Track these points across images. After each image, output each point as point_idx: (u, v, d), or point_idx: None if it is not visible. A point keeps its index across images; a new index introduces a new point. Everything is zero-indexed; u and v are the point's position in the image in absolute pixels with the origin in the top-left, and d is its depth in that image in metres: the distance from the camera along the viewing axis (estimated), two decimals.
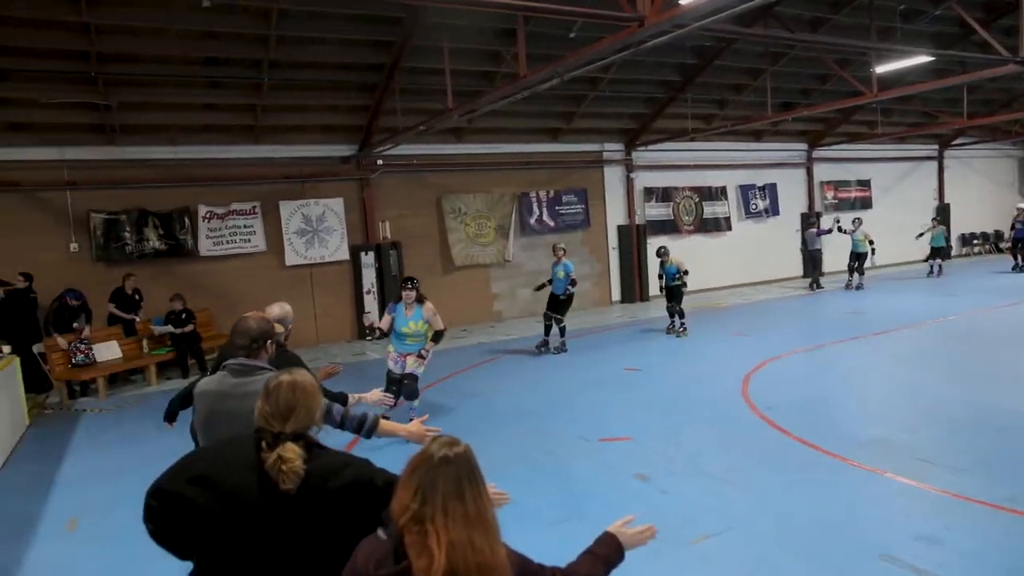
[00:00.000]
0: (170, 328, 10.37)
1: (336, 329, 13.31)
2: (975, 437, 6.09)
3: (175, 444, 2.94)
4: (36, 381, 9.71)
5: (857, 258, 16.17)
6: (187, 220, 11.80)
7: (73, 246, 11.12)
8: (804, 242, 17.50)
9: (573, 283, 10.68)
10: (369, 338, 13.19)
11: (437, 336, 7.22)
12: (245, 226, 12.36)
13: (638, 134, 15.99)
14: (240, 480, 2.10)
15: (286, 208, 12.72)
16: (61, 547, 4.91)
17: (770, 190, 18.38)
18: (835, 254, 17.49)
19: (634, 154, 16.33)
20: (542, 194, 15.26)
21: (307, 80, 11.40)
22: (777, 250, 18.54)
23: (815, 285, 16.59)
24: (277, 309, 4.25)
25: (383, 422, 3.33)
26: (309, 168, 12.92)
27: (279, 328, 4.11)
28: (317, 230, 13.02)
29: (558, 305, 10.85)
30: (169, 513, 2.12)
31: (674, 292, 11.75)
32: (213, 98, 11.36)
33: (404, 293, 7.17)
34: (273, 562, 2.07)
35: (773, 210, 18.41)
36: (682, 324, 11.75)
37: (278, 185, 12.67)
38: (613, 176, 16.27)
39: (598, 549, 2.11)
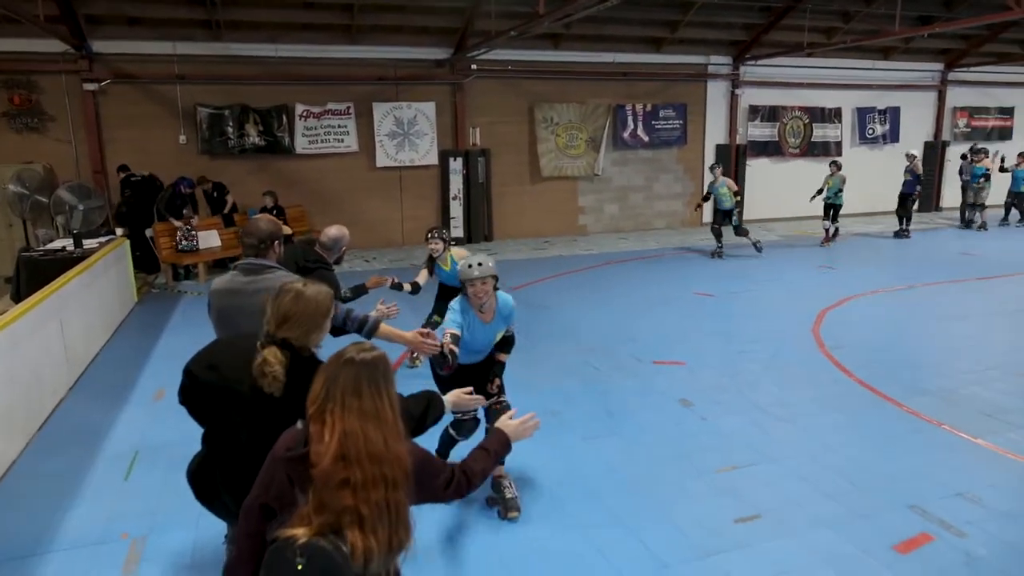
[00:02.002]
0: None
1: (421, 232, 13.39)
2: None
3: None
4: (147, 262, 10.64)
5: (1017, 197, 15.09)
6: (285, 118, 12.26)
7: (182, 138, 11.83)
8: (961, 171, 16.02)
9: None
10: (452, 243, 13.50)
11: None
12: (339, 126, 12.70)
13: (748, 47, 14.96)
14: (237, 373, 2.36)
15: (379, 110, 12.93)
16: (147, 413, 5.55)
17: (892, 114, 16.93)
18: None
19: (742, 69, 15.37)
20: (639, 107, 14.72)
21: None
22: (892, 180, 17.18)
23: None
24: (334, 230, 4.47)
25: (383, 325, 3.46)
26: (403, 70, 12.98)
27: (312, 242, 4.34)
28: (408, 133, 13.20)
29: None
30: (190, 389, 2.52)
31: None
32: None
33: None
34: (253, 447, 2.30)
35: (892, 136, 17.00)
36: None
37: (372, 86, 12.84)
38: (716, 91, 15.43)
39: (489, 445, 2.33)
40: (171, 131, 11.79)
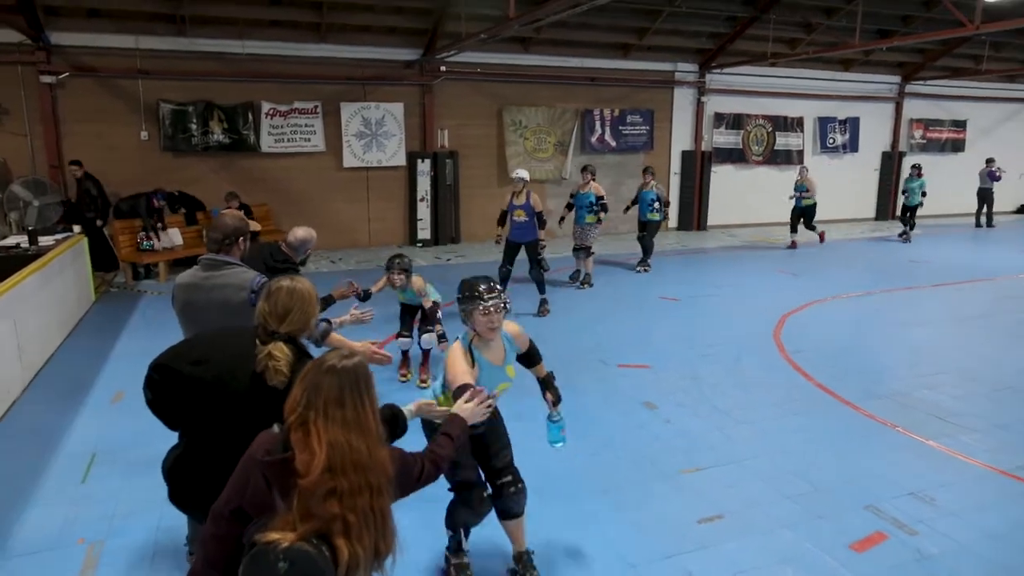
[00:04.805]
0: None
1: (388, 234, 13.62)
2: (1004, 402, 5.88)
3: None
4: (106, 260, 10.39)
5: (647, 226, 12.12)
6: (250, 115, 12.07)
7: (143, 134, 11.58)
8: (980, 178, 17.03)
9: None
10: (419, 245, 13.48)
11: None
12: (306, 125, 12.57)
13: (715, 55, 15.20)
14: (233, 367, 2.37)
15: (347, 110, 12.83)
16: (105, 415, 5.43)
17: (851, 124, 17.35)
18: None
19: (708, 76, 15.60)
20: (607, 112, 14.86)
21: None
22: (851, 189, 17.66)
23: (985, 223, 17.00)
24: (302, 232, 4.47)
25: (334, 334, 3.50)
26: (372, 71, 12.90)
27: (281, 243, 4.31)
28: (376, 134, 13.12)
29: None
30: (167, 387, 2.43)
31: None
32: None
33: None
34: (248, 442, 2.30)
35: (851, 146, 17.43)
36: None
37: (340, 86, 12.74)
38: (683, 98, 15.65)
39: (451, 430, 2.41)
40: (133, 127, 11.52)
